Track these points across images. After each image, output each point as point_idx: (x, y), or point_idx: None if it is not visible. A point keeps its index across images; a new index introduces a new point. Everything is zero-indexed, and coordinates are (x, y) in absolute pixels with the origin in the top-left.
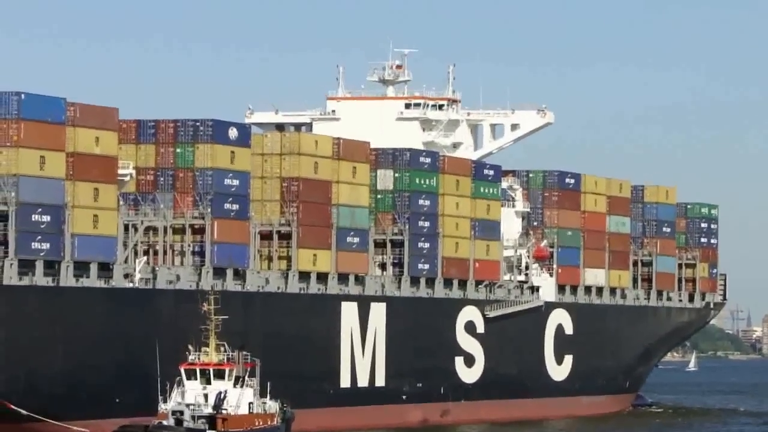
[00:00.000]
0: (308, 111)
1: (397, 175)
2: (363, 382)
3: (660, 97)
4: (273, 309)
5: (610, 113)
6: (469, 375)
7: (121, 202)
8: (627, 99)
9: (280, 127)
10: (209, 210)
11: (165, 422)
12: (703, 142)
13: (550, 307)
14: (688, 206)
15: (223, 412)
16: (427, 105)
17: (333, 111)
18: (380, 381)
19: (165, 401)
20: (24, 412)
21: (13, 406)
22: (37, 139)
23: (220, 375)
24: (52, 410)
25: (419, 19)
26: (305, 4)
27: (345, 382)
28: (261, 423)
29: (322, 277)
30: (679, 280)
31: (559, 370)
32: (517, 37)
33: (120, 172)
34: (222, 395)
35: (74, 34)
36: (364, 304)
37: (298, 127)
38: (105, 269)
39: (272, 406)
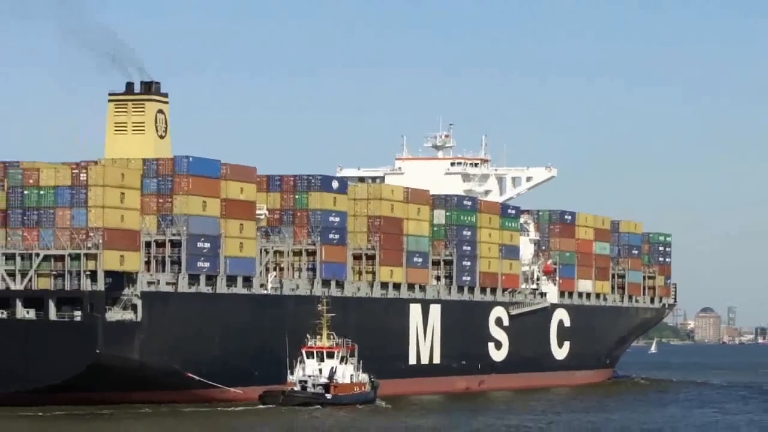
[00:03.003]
0: (381, 168)
1: (447, 213)
2: (425, 360)
3: (633, 150)
4: (363, 309)
5: (598, 166)
6: (498, 355)
7: (258, 234)
8: (609, 153)
9: (361, 179)
10: (318, 238)
11: (294, 388)
12: (662, 187)
13: (554, 307)
14: (650, 235)
15: (334, 381)
16: (466, 164)
17: (400, 168)
18: (436, 359)
19: (292, 374)
20: (197, 378)
21: (190, 375)
22: (201, 189)
23: (330, 355)
24: (214, 379)
25: (461, 97)
26: (379, 88)
27: (412, 360)
28: (358, 389)
29: (397, 286)
30: (644, 288)
31: (560, 352)
32: (532, 111)
33: (257, 212)
34: (333, 369)
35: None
36: (425, 305)
37: (374, 179)
38: (247, 281)
39: (364, 377)
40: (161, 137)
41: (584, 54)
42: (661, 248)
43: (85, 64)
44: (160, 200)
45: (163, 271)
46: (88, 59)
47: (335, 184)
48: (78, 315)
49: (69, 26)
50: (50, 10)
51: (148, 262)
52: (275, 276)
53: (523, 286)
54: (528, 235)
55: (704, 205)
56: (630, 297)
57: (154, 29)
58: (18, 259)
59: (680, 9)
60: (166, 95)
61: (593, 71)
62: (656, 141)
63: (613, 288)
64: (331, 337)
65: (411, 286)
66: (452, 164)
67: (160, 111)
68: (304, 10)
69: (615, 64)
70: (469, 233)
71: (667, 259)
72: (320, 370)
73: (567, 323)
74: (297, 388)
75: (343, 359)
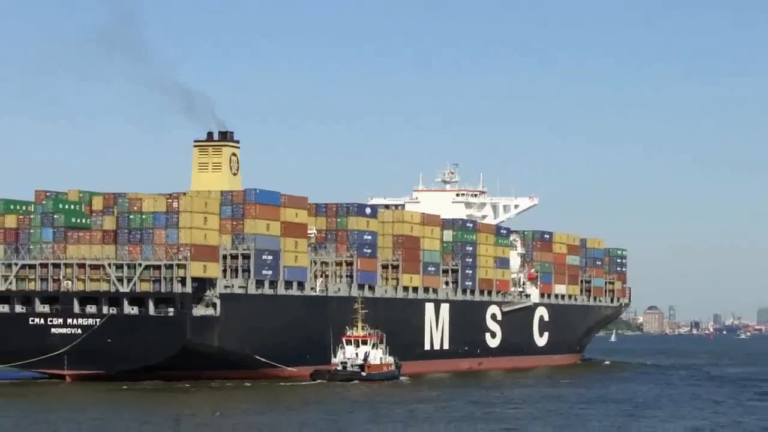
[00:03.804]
0: (402, 197)
1: (454, 233)
2: (436, 346)
3: (600, 178)
4: (390, 307)
5: (570, 196)
6: (493, 342)
7: (309, 249)
8: (579, 186)
9: (387, 206)
10: (355, 252)
11: (337, 368)
12: (620, 213)
13: (536, 305)
14: (610, 250)
15: (368, 362)
16: (468, 194)
17: (416, 197)
18: (446, 346)
19: (335, 357)
20: (263, 359)
21: (257, 357)
22: (265, 214)
23: (364, 342)
24: (275, 360)
25: (464, 142)
26: (400, 134)
27: (427, 346)
28: (386, 368)
29: (415, 290)
30: (605, 291)
31: (541, 340)
32: (519, 154)
33: (308, 232)
34: (366, 353)
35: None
36: (437, 304)
37: (396, 206)
38: (301, 285)
39: (391, 359)
40: (234, 174)
41: (558, 115)
42: (618, 260)
43: (170, 112)
44: (234, 223)
45: (236, 277)
46: (173, 109)
47: (368, 210)
48: (171, 311)
49: (157, 81)
50: (142, 68)
51: (224, 271)
52: (322, 281)
53: (512, 289)
54: (516, 249)
55: (652, 227)
56: (595, 298)
57: (224, 81)
58: (125, 268)
59: (634, 68)
60: (237, 141)
61: (566, 128)
62: (615, 179)
63: (581, 290)
64: (365, 328)
65: (426, 290)
66: (457, 195)
67: (233, 154)
68: (339, 73)
69: (582, 123)
70: (470, 248)
71: (624, 269)
72: (357, 354)
73: (546, 318)
74: (339, 367)
75: (374, 345)
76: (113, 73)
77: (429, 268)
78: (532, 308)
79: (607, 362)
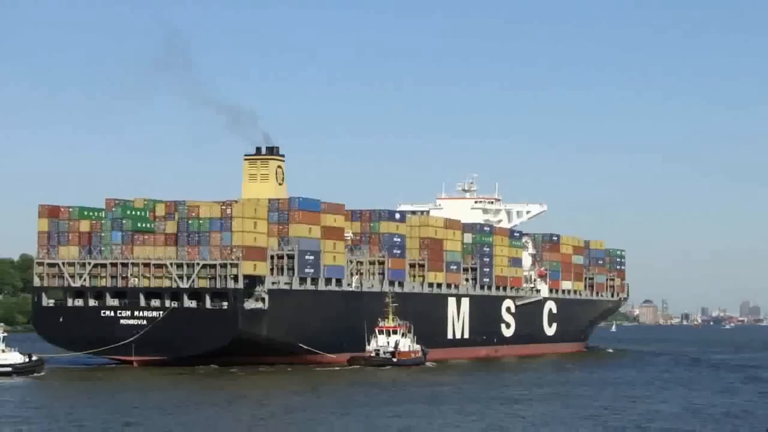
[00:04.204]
0: (427, 204)
1: (473, 236)
2: (458, 335)
3: (602, 186)
4: (417, 301)
5: (575, 203)
6: (508, 332)
7: (346, 249)
8: (583, 194)
9: (413, 212)
10: (386, 253)
11: (371, 355)
12: (619, 218)
13: (545, 299)
14: (611, 250)
15: (398, 350)
16: (485, 202)
17: (440, 204)
18: (466, 335)
19: (369, 345)
20: (305, 347)
21: (301, 345)
22: (307, 219)
23: (395, 332)
24: (317, 348)
25: (481, 155)
26: (426, 148)
27: (449, 335)
28: (414, 355)
29: (439, 285)
30: (607, 287)
31: (550, 330)
32: (530, 166)
33: (345, 235)
34: (396, 342)
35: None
36: (458, 299)
37: (422, 212)
38: (339, 282)
39: (418, 347)
40: (280, 184)
41: (567, 129)
42: (618, 259)
43: (220, 126)
44: (280, 227)
45: (282, 275)
46: (223, 123)
47: (397, 216)
48: (225, 305)
49: (208, 99)
50: (194, 87)
51: (272, 269)
52: (357, 278)
53: (525, 285)
54: (528, 250)
55: (648, 230)
56: (597, 293)
57: (268, 96)
58: (185, 267)
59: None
60: (283, 155)
61: (570, 142)
62: (615, 188)
63: (585, 286)
64: (395, 319)
65: (448, 285)
66: (475, 202)
67: (279, 166)
68: (372, 92)
69: (584, 137)
70: (487, 249)
71: (622, 267)
72: (388, 342)
73: (554, 311)
74: (373, 354)
75: (403, 335)
76: (171, 92)
77: (451, 267)
78: (542, 302)
79: (610, 350)
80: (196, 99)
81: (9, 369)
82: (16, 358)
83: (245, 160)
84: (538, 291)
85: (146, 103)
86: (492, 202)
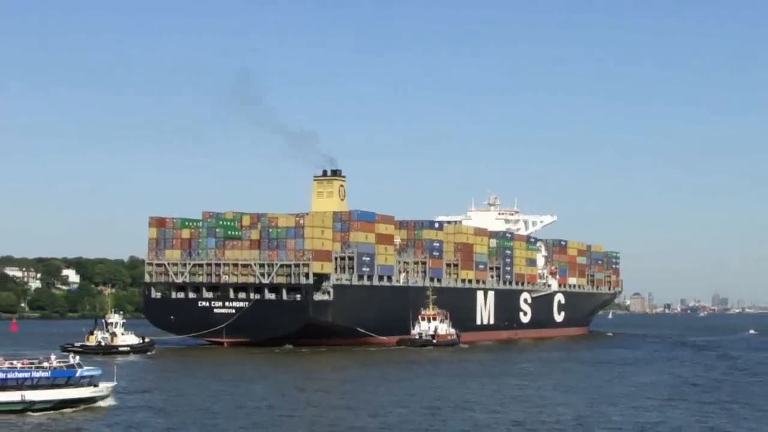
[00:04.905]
0: (459, 215)
1: (497, 241)
2: (485, 321)
3: (602, 200)
4: (452, 295)
5: (580, 214)
6: (525, 319)
7: (395, 252)
8: (586, 205)
9: (449, 222)
10: (427, 255)
11: (415, 337)
12: (614, 226)
13: (555, 293)
14: (608, 252)
15: (437, 333)
16: (507, 213)
17: (470, 216)
18: (491, 321)
19: (413, 329)
20: (363, 330)
21: (359, 329)
22: (364, 228)
23: (434, 319)
24: (372, 332)
25: (503, 174)
26: (459, 166)
27: (478, 321)
28: (450, 338)
29: (470, 281)
30: (605, 282)
31: (559, 318)
32: (544, 183)
33: (394, 241)
34: (436, 327)
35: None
36: (485, 292)
37: (456, 222)
38: (389, 278)
39: (453, 331)
40: (342, 199)
41: (577, 145)
42: (614, 260)
43: (290, 149)
44: (342, 234)
45: (344, 272)
46: (292, 145)
47: (436, 225)
48: (298, 297)
49: (281, 127)
50: (266, 116)
51: (336, 268)
52: (404, 275)
53: (539, 281)
54: (541, 252)
55: (637, 237)
56: (597, 287)
57: (330, 121)
58: (266, 266)
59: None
60: (344, 176)
61: (584, 163)
62: (614, 199)
63: (587, 282)
64: (435, 309)
65: (477, 281)
66: (499, 214)
67: (341, 185)
68: (415, 118)
69: (595, 149)
70: (509, 252)
71: (617, 266)
72: (429, 327)
73: (563, 302)
74: (416, 337)
75: (441, 321)
76: (249, 120)
77: (479, 266)
78: (553, 295)
79: (609, 333)
80: (273, 126)
81: (128, 348)
82: (133, 339)
83: (314, 180)
84: (549, 286)
85: (230, 131)
86: (512, 214)
